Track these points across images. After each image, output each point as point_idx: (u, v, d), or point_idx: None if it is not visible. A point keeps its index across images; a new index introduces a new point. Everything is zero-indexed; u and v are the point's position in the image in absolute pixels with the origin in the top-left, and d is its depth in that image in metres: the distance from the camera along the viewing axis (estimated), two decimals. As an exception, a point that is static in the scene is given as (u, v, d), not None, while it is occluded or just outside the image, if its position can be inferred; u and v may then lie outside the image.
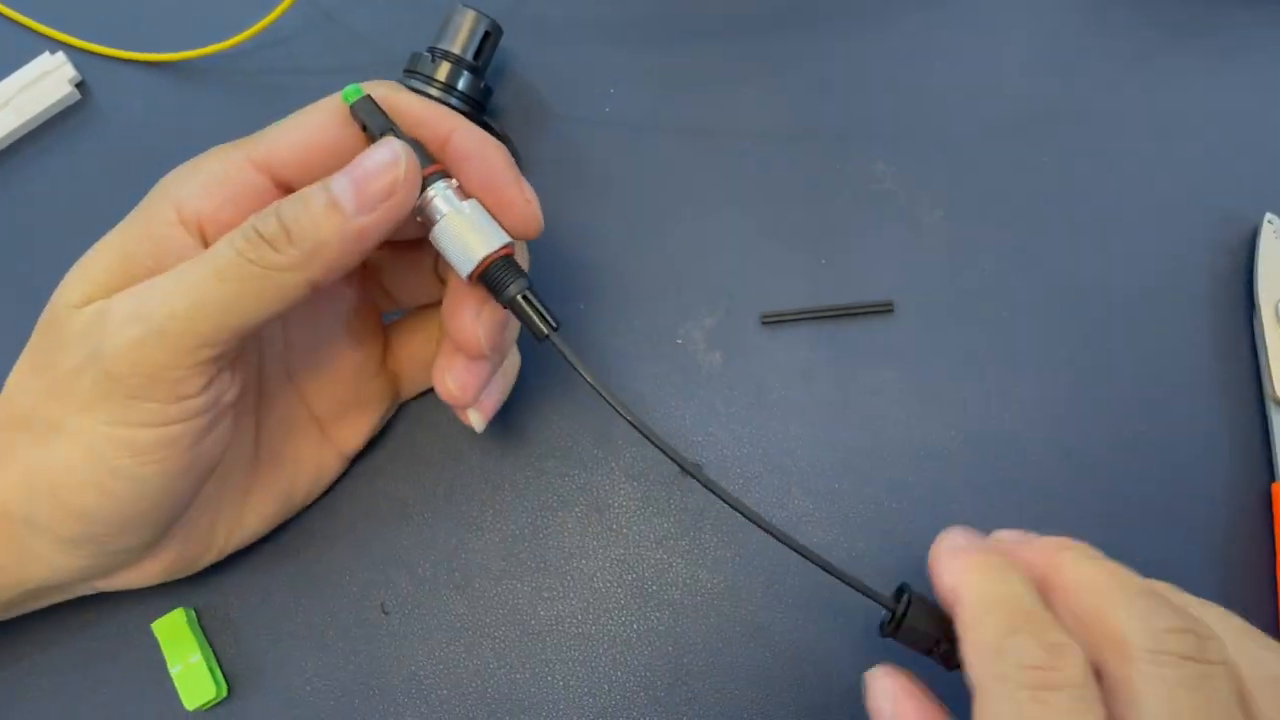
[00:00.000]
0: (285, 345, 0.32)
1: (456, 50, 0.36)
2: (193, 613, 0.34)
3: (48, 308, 0.28)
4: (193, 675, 0.33)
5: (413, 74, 0.36)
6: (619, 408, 0.26)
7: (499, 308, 0.28)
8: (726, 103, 0.39)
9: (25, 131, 0.38)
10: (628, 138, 0.39)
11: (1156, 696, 0.21)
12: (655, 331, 0.37)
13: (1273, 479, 0.34)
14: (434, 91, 0.35)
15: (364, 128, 0.27)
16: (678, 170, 0.38)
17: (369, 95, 0.27)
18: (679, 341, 0.37)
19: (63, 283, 0.28)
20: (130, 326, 0.25)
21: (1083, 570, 0.24)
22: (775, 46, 0.40)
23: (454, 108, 0.36)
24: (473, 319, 0.28)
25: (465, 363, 0.30)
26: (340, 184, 0.25)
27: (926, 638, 0.26)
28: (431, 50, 0.36)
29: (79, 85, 0.39)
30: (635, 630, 0.34)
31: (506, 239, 0.27)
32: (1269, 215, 0.36)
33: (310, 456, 0.33)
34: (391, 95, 0.28)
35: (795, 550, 0.26)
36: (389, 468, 0.36)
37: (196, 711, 0.33)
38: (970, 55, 0.39)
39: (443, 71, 0.35)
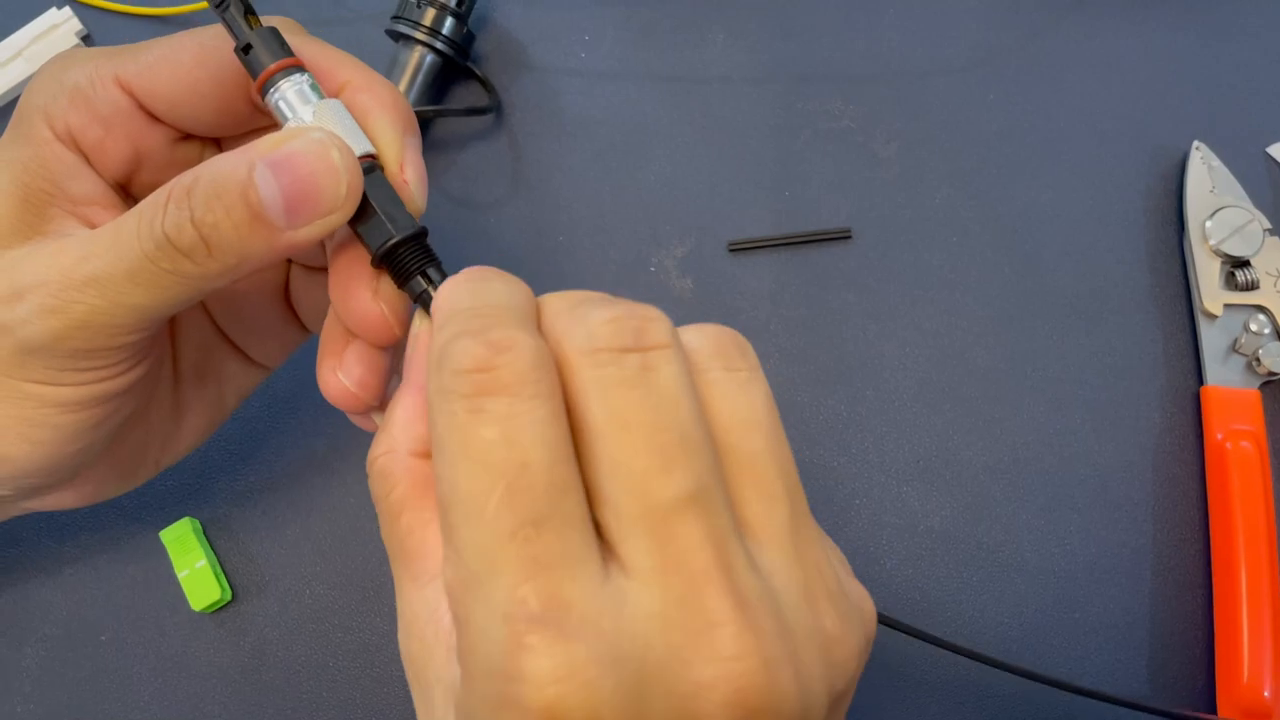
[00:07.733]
0: None
1: (441, -3, 0.38)
2: (198, 523, 0.36)
3: None
4: (199, 579, 0.35)
5: (400, 19, 0.38)
6: None
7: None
8: (692, 49, 0.42)
9: (34, 82, 0.40)
10: (601, 82, 0.41)
11: (597, 401, 0.18)
12: (630, 261, 0.39)
13: (1201, 383, 0.37)
14: (420, 35, 0.38)
15: (255, 75, 0.23)
16: (648, 112, 0.41)
17: (273, 28, 0.24)
18: (652, 269, 0.39)
19: None
20: (49, 318, 0.23)
21: (549, 300, 0.21)
22: (739, -3, 0.42)
23: (439, 52, 0.38)
24: (370, 298, 0.24)
25: (360, 354, 0.25)
26: (267, 188, 0.22)
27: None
28: (417, -2, 0.38)
29: (84, 38, 0.41)
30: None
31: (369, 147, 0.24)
32: (1196, 143, 0.39)
33: (233, 371, 0.32)
34: (292, 38, 0.24)
35: None
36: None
37: (203, 613, 0.35)
38: (921, 1, 0.42)
39: (428, 17, 0.38)
